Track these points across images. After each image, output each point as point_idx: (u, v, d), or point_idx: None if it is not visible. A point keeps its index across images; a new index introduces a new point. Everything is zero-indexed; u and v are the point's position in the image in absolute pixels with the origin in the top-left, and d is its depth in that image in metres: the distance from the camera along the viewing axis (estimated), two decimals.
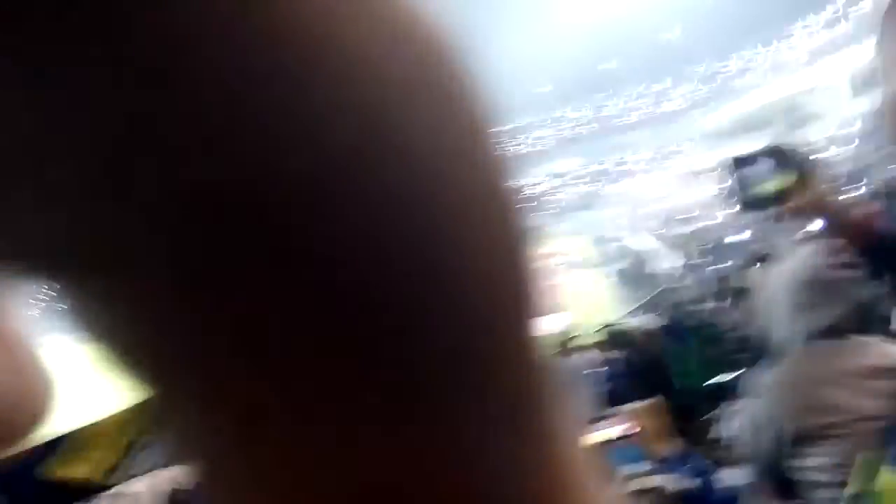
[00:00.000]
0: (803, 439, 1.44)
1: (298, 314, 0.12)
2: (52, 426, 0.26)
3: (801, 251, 1.52)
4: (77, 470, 0.67)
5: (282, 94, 0.12)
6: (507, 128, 0.15)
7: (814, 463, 1.43)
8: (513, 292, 0.14)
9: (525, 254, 0.15)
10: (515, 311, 0.14)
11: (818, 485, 1.42)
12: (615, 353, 3.78)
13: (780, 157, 1.27)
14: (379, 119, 0.12)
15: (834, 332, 1.48)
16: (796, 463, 1.46)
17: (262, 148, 0.12)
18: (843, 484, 1.22)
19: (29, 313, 0.25)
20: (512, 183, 0.14)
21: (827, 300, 1.49)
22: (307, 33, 0.12)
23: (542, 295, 0.15)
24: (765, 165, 1.26)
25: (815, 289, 1.49)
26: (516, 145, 0.15)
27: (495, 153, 0.14)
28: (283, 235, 0.12)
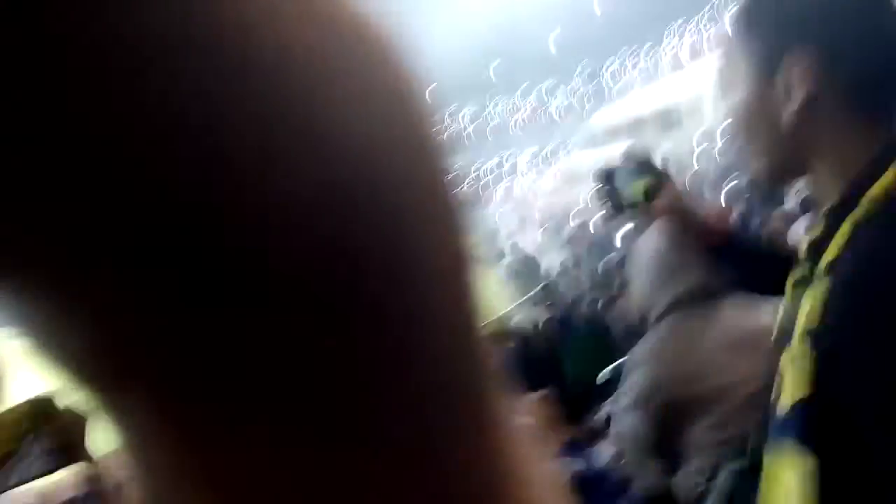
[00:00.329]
0: (681, 410, 1.48)
1: (233, 310, 0.12)
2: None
3: (653, 231, 1.59)
4: None
5: (223, 93, 0.12)
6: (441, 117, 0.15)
7: (694, 434, 1.47)
8: (456, 277, 0.15)
9: (464, 239, 0.15)
10: (459, 294, 0.15)
11: (699, 456, 1.45)
12: (505, 347, 3.86)
13: (639, 163, 1.43)
14: (321, 114, 0.12)
15: (698, 298, 1.53)
16: (676, 435, 1.50)
17: (201, 146, 0.12)
18: (725, 454, 1.26)
19: None
20: (450, 174, 0.15)
21: (683, 271, 1.54)
22: (251, 32, 0.12)
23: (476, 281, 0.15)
24: (626, 172, 1.42)
25: (670, 261, 1.56)
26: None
27: (435, 144, 0.14)
28: (217, 229, 0.12)
